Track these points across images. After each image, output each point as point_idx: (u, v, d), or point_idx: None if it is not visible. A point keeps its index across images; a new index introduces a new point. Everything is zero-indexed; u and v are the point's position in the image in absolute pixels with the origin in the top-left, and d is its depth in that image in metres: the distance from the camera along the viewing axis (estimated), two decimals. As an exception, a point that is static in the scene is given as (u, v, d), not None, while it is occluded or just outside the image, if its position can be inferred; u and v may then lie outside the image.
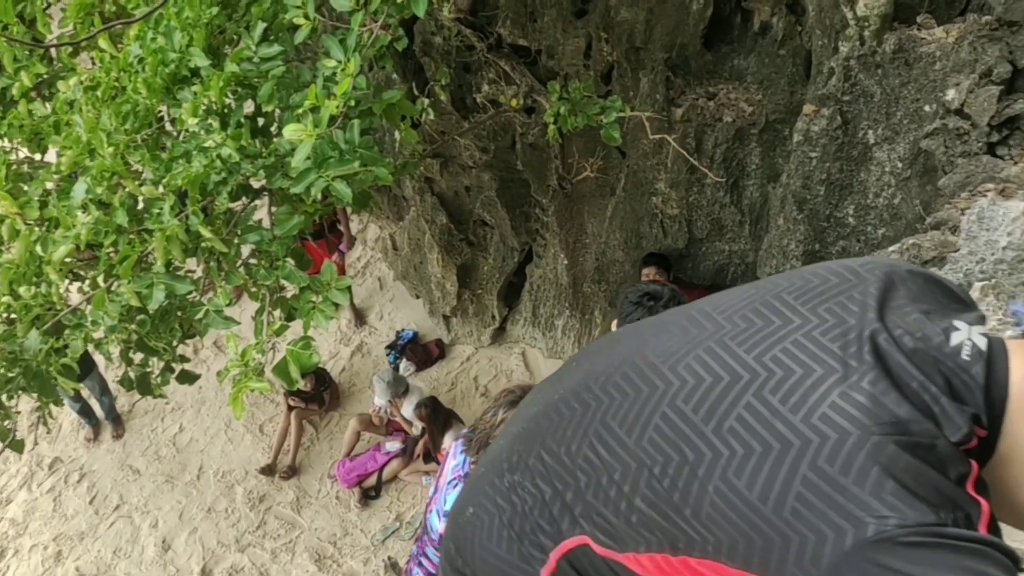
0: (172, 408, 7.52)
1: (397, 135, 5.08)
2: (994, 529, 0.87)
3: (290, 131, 2.87)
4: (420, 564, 2.98)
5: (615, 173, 5.45)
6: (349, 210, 7.12)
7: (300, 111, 2.90)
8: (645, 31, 4.70)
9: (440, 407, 6.42)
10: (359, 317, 7.69)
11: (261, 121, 3.46)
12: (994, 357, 0.92)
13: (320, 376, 7.06)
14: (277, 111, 3.39)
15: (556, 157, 5.46)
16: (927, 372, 0.91)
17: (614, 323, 3.30)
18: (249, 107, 3.34)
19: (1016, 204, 2.62)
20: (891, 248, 3.66)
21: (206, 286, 3.53)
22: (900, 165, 4.16)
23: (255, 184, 3.48)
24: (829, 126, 4.17)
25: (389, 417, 6.81)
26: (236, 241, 3.25)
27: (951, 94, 3.80)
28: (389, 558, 5.96)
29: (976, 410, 0.90)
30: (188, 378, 3.43)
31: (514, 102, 4.75)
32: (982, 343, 0.93)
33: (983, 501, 0.86)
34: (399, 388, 6.65)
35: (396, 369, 7.23)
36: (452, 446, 2.94)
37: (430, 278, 6.88)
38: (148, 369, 3.37)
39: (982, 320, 1.00)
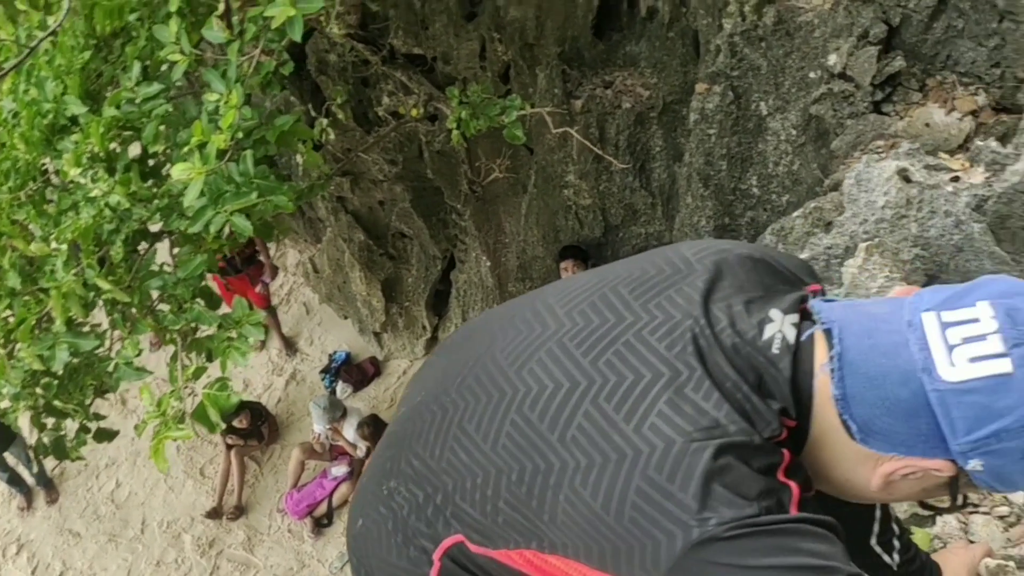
0: (106, 464, 7.27)
1: (300, 159, 5.01)
2: (809, 507, 0.93)
3: (179, 170, 2.80)
4: None
5: (525, 171, 5.48)
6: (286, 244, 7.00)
7: (187, 149, 2.83)
8: (536, 27, 4.72)
9: (382, 423, 6.35)
10: (289, 345, 7.56)
11: (152, 162, 3.37)
12: (801, 349, 0.97)
13: (256, 410, 6.91)
14: (166, 150, 3.31)
15: (464, 162, 5.46)
16: (741, 369, 0.96)
17: None
18: (136, 150, 3.24)
19: (888, 164, 2.71)
20: (795, 213, 3.75)
21: (116, 338, 3.42)
22: (794, 132, 4.27)
23: (153, 228, 3.38)
24: (722, 102, 4.26)
25: (332, 442, 6.71)
26: (138, 289, 3.15)
27: (833, 59, 3.91)
28: (347, 585, 5.87)
29: (784, 403, 0.96)
30: (105, 436, 3.32)
31: (415, 112, 4.72)
32: (791, 335, 0.98)
33: (792, 484, 0.92)
34: (337, 412, 6.56)
35: (333, 392, 7.13)
36: None
37: (355, 297, 6.80)
38: (62, 432, 3.25)
39: (800, 302, 1.04)
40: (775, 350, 0.97)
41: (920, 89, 3.92)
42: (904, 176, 2.67)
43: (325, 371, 7.29)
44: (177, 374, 3.23)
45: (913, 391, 0.89)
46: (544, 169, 5.34)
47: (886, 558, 1.35)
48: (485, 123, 4.12)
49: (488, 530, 1.05)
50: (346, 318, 7.37)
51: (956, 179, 2.69)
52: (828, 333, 0.95)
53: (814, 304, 1.00)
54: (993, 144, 2.82)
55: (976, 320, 0.89)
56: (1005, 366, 0.86)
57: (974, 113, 3.71)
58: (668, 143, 4.98)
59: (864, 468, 0.97)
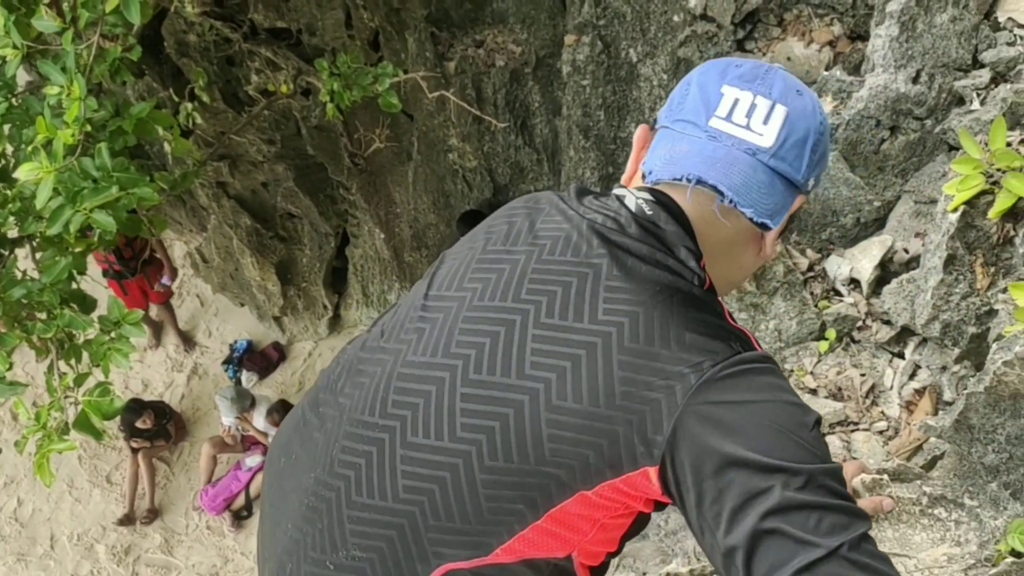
0: (4, 483, 6.96)
1: (168, 147, 4.80)
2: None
3: (26, 170, 2.66)
4: None
5: (407, 138, 5.40)
6: (171, 237, 6.71)
7: (31, 147, 2.68)
8: (400, -9, 4.63)
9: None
10: (186, 340, 7.32)
11: (1, 164, 3.18)
12: (661, 199, 1.10)
13: (159, 409, 6.69)
14: (16, 151, 3.13)
15: (343, 135, 5.34)
16: (642, 239, 1.07)
17: None
18: (-21, 153, 3.05)
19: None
20: (674, 157, 3.84)
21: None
22: (665, 77, 4.34)
23: (11, 234, 3.20)
24: (592, 52, 4.28)
25: (243, 433, 6.58)
26: (1, 299, 2.98)
27: (693, 1, 3.98)
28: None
29: (691, 248, 1.08)
30: (-14, 456, 3.15)
31: (284, 88, 4.58)
32: (647, 195, 1.11)
33: (742, 327, 1.05)
34: (245, 402, 6.42)
35: (238, 382, 6.97)
36: None
37: (249, 283, 6.62)
38: (-63, 458, 3.07)
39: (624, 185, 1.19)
40: (648, 212, 1.09)
41: (779, 24, 4.04)
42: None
43: (227, 361, 7.11)
44: (55, 384, 3.10)
45: (763, 171, 1.04)
46: (426, 135, 5.29)
47: None
48: (359, 93, 4.05)
49: (475, 537, 1.01)
50: (243, 305, 7.19)
51: (808, 110, 2.78)
52: (700, 182, 1.04)
53: (656, 177, 1.08)
54: (838, 73, 2.93)
55: (737, 100, 1.07)
56: (782, 110, 1.06)
57: (831, 44, 3.84)
58: (546, 98, 4.99)
59: (754, 248, 1.14)
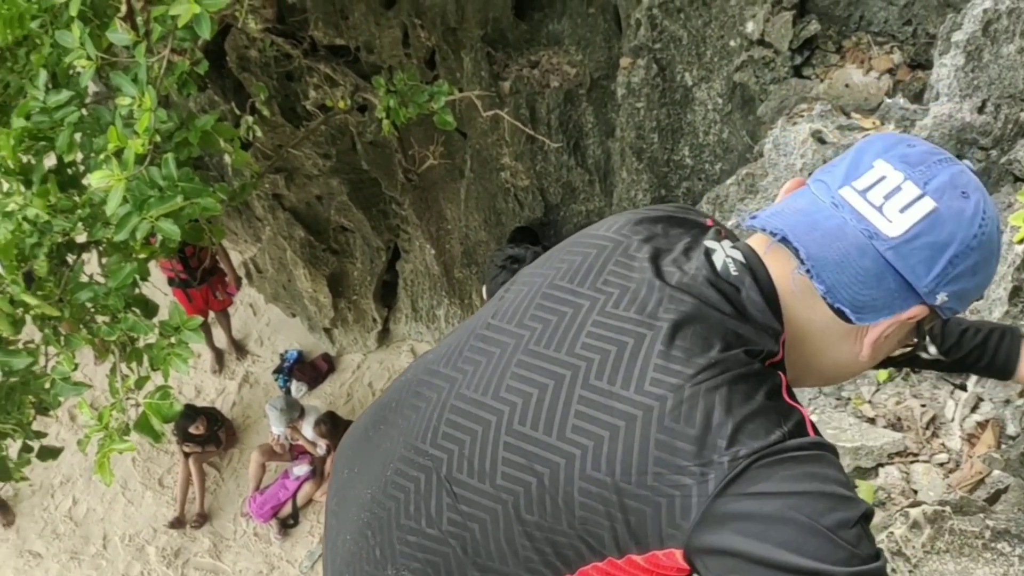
0: (61, 482, 7.13)
1: (228, 159, 4.94)
2: (818, 431, 0.97)
3: (97, 178, 2.75)
4: None
5: (460, 156, 5.47)
6: (227, 247, 6.86)
7: (103, 156, 2.78)
8: (457, 11, 4.70)
9: (339, 420, 6.32)
10: (239, 349, 7.47)
11: (70, 172, 3.30)
12: (751, 263, 1.03)
13: (211, 416, 6.82)
14: (86, 159, 3.24)
15: (398, 151, 5.43)
16: (715, 304, 0.99)
17: (484, 289, 3.31)
18: (53, 160, 3.17)
19: (802, 127, 2.77)
20: (728, 181, 3.81)
21: (52, 354, 3.36)
22: (720, 101, 4.33)
23: (79, 239, 3.32)
24: (647, 75, 4.29)
25: (291, 442, 6.67)
26: (69, 302, 3.09)
27: (750, 26, 3.97)
28: (315, 583, 5.87)
29: (767, 321, 1.00)
30: (49, 454, 3.26)
31: (342, 104, 4.67)
32: (738, 255, 1.03)
33: (799, 406, 0.96)
34: (294, 412, 6.51)
35: (288, 392, 7.07)
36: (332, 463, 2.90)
37: (302, 294, 6.74)
38: (3, 453, 3.18)
39: (720, 229, 1.11)
40: (734, 272, 1.02)
41: (837, 51, 4.00)
42: (818, 138, 2.73)
43: (278, 371, 7.22)
44: (117, 386, 3.19)
45: (873, 258, 0.95)
46: (479, 153, 5.34)
47: (924, 354, 1.39)
48: (414, 110, 4.11)
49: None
50: (294, 316, 7.31)
51: (868, 136, 2.76)
52: (784, 241, 0.97)
53: (754, 222, 1.02)
54: (902, 101, 2.89)
55: (884, 177, 0.96)
56: (928, 204, 0.94)
57: (891, 71, 3.80)
58: (599, 119, 5.01)
59: (849, 344, 1.03)
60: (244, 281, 7.17)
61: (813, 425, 0.96)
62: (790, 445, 0.91)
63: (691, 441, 0.91)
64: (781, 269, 1.01)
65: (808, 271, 0.95)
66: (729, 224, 3.00)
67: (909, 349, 1.16)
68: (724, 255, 1.03)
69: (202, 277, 6.57)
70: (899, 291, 0.96)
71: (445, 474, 1.06)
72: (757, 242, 1.05)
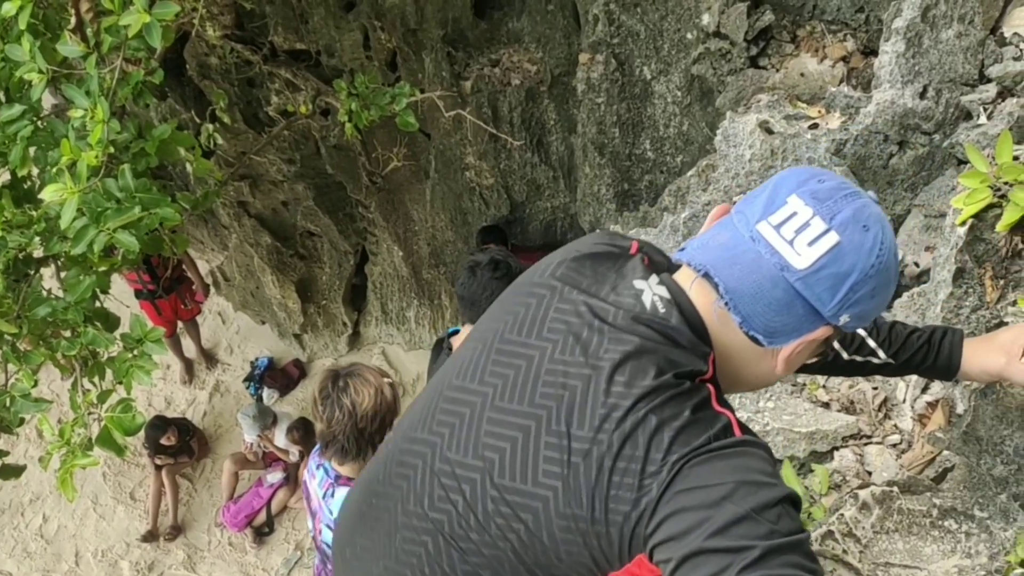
0: (30, 500, 7.04)
1: (190, 167, 4.89)
2: (746, 430, 1.10)
3: (51, 191, 2.72)
4: None
5: (424, 157, 5.47)
6: (193, 256, 6.80)
7: (56, 169, 2.75)
8: (416, 12, 4.70)
9: (312, 426, 6.29)
10: (208, 358, 7.40)
11: (26, 186, 3.26)
12: (677, 298, 1.15)
13: (182, 427, 6.76)
14: (42, 173, 3.20)
15: (361, 154, 5.42)
16: (647, 337, 1.13)
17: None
18: (6, 175, 3.13)
19: (750, 117, 2.81)
20: (689, 172, 3.85)
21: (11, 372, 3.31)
22: (679, 94, 4.37)
23: (36, 253, 3.28)
24: (607, 70, 4.32)
25: (264, 450, 6.63)
26: (27, 318, 3.05)
27: (706, 18, 4.01)
28: (291, 590, 5.85)
29: (695, 348, 1.13)
30: (11, 472, 3.22)
31: (303, 108, 4.65)
32: (664, 292, 1.16)
33: (726, 412, 1.09)
34: (267, 420, 6.47)
35: (260, 399, 7.03)
36: (307, 466, 2.89)
37: (270, 301, 6.70)
38: (-37, 473, 3.14)
39: (645, 258, 1.22)
40: (662, 310, 1.14)
41: (792, 40, 4.05)
42: (766, 128, 2.77)
43: (249, 379, 7.17)
44: (79, 400, 3.16)
45: (784, 289, 1.07)
46: (443, 153, 5.34)
47: (875, 359, 1.51)
48: (377, 113, 4.10)
49: None
50: (264, 323, 7.27)
51: (815, 126, 2.79)
52: (707, 276, 1.10)
53: (680, 256, 1.16)
54: (846, 89, 2.94)
55: (795, 213, 1.08)
56: (833, 238, 1.06)
57: (844, 59, 3.85)
58: (561, 116, 5.03)
59: (766, 361, 1.16)
60: (212, 289, 7.11)
61: (741, 425, 1.09)
62: (715, 445, 1.04)
63: (638, 461, 1.04)
64: (705, 299, 1.13)
65: (727, 303, 1.08)
66: (683, 216, 3.03)
67: (819, 358, 1.33)
68: (651, 294, 1.16)
69: (169, 287, 6.50)
70: (806, 316, 1.08)
71: (448, 533, 1.18)
72: (684, 275, 1.17)
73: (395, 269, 6.30)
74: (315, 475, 2.80)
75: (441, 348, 3.34)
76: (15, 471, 3.22)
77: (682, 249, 1.15)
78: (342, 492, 2.68)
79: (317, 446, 2.91)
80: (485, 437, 1.17)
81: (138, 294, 6.53)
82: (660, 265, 1.23)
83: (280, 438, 6.46)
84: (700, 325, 1.12)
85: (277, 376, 7.13)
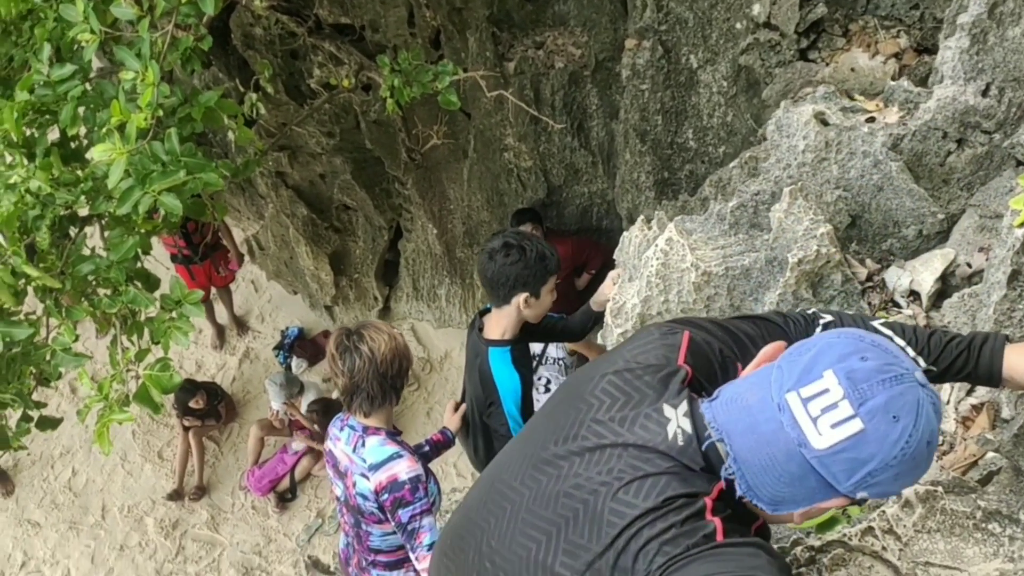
0: (61, 453, 7.19)
1: (232, 136, 4.93)
2: (737, 533, 1.16)
3: (99, 151, 2.76)
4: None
5: (464, 136, 5.46)
6: (229, 224, 6.86)
7: (105, 130, 2.78)
8: (463, -10, 4.68)
9: (332, 405, 6.33)
10: (240, 325, 7.49)
11: (74, 145, 3.30)
12: (699, 433, 1.21)
13: (211, 390, 6.87)
14: (89, 133, 3.24)
15: (401, 130, 5.42)
16: (660, 461, 1.21)
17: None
18: (56, 134, 3.17)
19: (806, 108, 2.76)
20: (732, 164, 3.81)
21: (53, 325, 3.37)
22: (725, 84, 4.31)
23: (82, 212, 3.32)
24: (653, 57, 4.28)
25: (290, 418, 6.71)
26: (70, 274, 3.10)
27: (756, 8, 3.95)
28: (310, 556, 5.91)
29: (706, 474, 1.20)
30: (48, 424, 3.28)
31: (346, 82, 4.66)
32: (687, 427, 1.22)
33: (716, 520, 1.15)
34: (293, 388, 6.55)
35: (288, 368, 7.10)
36: (329, 436, 2.92)
37: (303, 272, 6.75)
38: (2, 423, 3.20)
39: (684, 381, 1.29)
40: (680, 444, 1.21)
41: (844, 35, 3.98)
42: (821, 119, 2.72)
43: (278, 347, 7.25)
44: (118, 357, 3.21)
45: (798, 463, 1.10)
46: (482, 133, 5.33)
47: None
48: (419, 90, 4.09)
49: None
50: (295, 293, 7.33)
51: (872, 120, 2.74)
52: (721, 442, 1.16)
53: (704, 411, 1.21)
54: (905, 84, 2.88)
55: (827, 390, 1.08)
56: (857, 425, 1.06)
57: (897, 56, 3.78)
58: (604, 101, 4.99)
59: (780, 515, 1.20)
60: (246, 258, 7.18)
61: (730, 531, 1.15)
62: (695, 552, 1.12)
63: (631, 572, 1.15)
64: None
65: (733, 473, 1.14)
66: (730, 205, 2.99)
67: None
68: (676, 425, 1.23)
69: (204, 253, 6.58)
70: (819, 488, 1.11)
71: None
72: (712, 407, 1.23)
73: (428, 247, 6.32)
74: (339, 438, 2.83)
75: (473, 327, 3.37)
76: (52, 423, 3.28)
77: (714, 398, 1.21)
78: (372, 440, 2.71)
79: (336, 416, 2.94)
80: (519, 536, 1.32)
81: (174, 258, 6.61)
82: (700, 379, 1.31)
83: (306, 407, 6.53)
84: (717, 460, 1.18)
85: (307, 346, 7.20)
